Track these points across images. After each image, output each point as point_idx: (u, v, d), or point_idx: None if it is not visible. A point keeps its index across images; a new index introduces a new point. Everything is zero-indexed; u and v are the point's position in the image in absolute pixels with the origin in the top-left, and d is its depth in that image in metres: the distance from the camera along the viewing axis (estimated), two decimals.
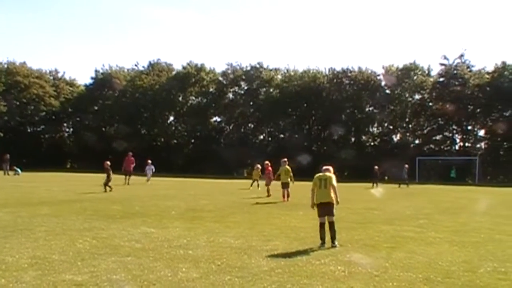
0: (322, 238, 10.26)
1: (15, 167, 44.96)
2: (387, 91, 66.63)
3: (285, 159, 23.70)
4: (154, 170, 36.84)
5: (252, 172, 30.78)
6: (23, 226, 11.79)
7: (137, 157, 35.03)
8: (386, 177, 41.43)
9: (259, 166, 31.58)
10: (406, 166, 41.99)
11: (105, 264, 7.88)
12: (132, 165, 34.54)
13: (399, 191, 33.87)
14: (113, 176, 26.66)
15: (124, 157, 35.06)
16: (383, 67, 67.51)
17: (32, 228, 11.59)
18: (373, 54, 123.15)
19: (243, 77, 73.64)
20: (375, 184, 37.99)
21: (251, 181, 33.21)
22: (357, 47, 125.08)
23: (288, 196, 22.17)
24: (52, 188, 26.57)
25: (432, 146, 63.65)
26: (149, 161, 37.12)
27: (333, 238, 10.24)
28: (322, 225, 10.40)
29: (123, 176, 32.49)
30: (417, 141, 66.01)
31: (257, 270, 7.74)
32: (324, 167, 11.25)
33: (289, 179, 22.64)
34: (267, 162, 28.59)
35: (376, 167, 40.21)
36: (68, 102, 77.81)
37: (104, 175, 26.94)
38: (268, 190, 24.61)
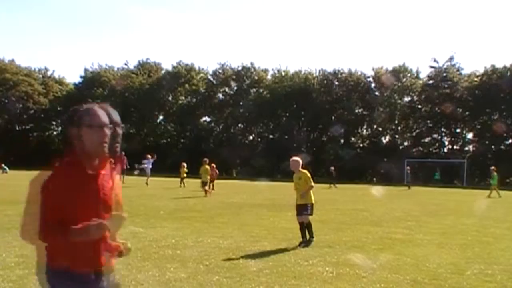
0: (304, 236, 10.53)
1: (3, 165, 44.81)
2: (377, 93, 66.93)
3: (206, 159, 26.50)
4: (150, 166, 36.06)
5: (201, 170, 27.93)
6: (10, 225, 11.70)
7: (126, 156, 34.78)
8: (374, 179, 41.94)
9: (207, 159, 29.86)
10: (408, 168, 43.11)
11: None
12: (125, 165, 34.59)
13: (385, 192, 33.98)
14: None
15: (121, 157, 34.79)
16: (373, 69, 67.81)
17: (19, 226, 11.50)
18: (363, 56, 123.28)
19: (233, 77, 73.65)
20: (332, 185, 38.93)
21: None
22: (347, 49, 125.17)
23: (206, 191, 23.96)
24: None
25: (420, 148, 64.03)
26: (149, 156, 36.67)
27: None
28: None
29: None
30: (406, 143, 66.37)
31: (245, 271, 7.74)
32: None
33: (208, 178, 24.91)
34: (205, 159, 28.13)
35: (333, 167, 41.59)
36: (57, 101, 77.45)
37: None
38: (206, 190, 24.83)
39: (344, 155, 57.98)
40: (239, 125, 74.35)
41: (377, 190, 23.14)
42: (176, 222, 13.52)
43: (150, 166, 35.54)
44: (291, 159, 11.00)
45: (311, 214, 10.63)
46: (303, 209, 10.52)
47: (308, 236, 10.54)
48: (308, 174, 10.68)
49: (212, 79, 75.24)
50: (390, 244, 10.94)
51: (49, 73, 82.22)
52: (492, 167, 33.95)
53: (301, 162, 10.82)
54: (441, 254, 9.87)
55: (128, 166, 35.06)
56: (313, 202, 10.71)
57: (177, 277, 7.17)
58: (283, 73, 72.04)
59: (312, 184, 10.67)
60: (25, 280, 6.65)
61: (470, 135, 64.37)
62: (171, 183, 35.44)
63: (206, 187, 24.94)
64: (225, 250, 9.50)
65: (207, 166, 26.23)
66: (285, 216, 16.00)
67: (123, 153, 35.13)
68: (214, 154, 62.76)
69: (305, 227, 10.50)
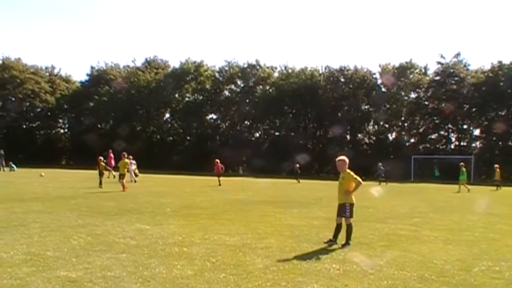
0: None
1: (10, 163, 44.97)
2: (383, 90, 66.75)
3: (124, 153, 26.85)
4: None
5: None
6: (18, 222, 11.76)
7: (132, 154, 35.17)
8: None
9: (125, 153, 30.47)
10: (380, 164, 43.18)
11: (99, 260, 7.87)
12: (112, 161, 37.07)
13: (390, 189, 33.91)
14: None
15: (107, 154, 37.46)
16: (379, 66, 67.74)
17: (27, 224, 11.56)
18: (370, 52, 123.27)
19: (240, 74, 73.61)
20: (297, 180, 40.78)
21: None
22: (354, 45, 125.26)
23: (123, 187, 23.91)
24: (47, 184, 26.51)
25: (427, 145, 63.79)
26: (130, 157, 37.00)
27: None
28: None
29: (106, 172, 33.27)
30: (412, 140, 66.15)
31: (251, 268, 7.73)
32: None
33: (126, 171, 25.18)
34: (123, 153, 28.28)
35: (297, 165, 43.97)
36: (63, 99, 77.77)
37: (107, 171, 27.38)
38: (123, 185, 24.54)
39: (350, 151, 57.82)
40: (245, 122, 74.33)
41: (376, 191, 23.05)
42: (183, 219, 13.53)
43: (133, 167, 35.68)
44: (337, 159, 10.62)
45: (351, 216, 10.26)
46: (342, 210, 10.27)
47: (340, 238, 10.26)
48: (353, 174, 10.43)
49: (218, 76, 75.21)
50: (396, 241, 10.90)
51: (55, 71, 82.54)
52: (461, 163, 35.82)
53: (347, 161, 10.52)
54: (448, 251, 9.83)
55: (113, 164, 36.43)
56: (353, 202, 10.39)
57: (184, 274, 7.18)
58: (289, 70, 71.94)
59: (360, 180, 10.31)
60: (32, 277, 6.67)
61: (477, 132, 64.13)
62: (177, 181, 35.48)
63: (124, 181, 24.62)
64: (232, 247, 9.49)
65: (126, 160, 26.48)
66: (291, 213, 16.00)
67: (111, 151, 38.07)
68: (220, 151, 62.94)
69: (339, 229, 10.28)
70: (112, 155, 38.08)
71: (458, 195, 29.80)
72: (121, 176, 25.04)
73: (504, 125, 55.60)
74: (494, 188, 36.53)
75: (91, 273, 6.99)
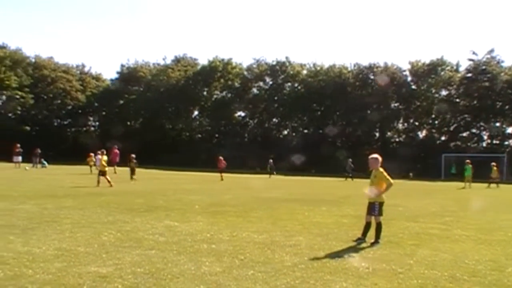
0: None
1: (42, 160, 45.81)
2: (413, 87, 66.07)
3: (103, 150, 26.80)
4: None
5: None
6: (49, 218, 11.92)
7: (162, 151, 35.94)
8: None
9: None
10: (350, 160, 44.57)
11: (129, 257, 7.93)
12: (117, 158, 38.97)
13: (420, 188, 33.55)
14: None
15: (111, 150, 38.61)
16: (409, 63, 67.00)
17: (58, 220, 11.71)
18: (399, 49, 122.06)
19: (268, 72, 73.64)
20: (270, 175, 43.33)
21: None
22: (384, 42, 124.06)
23: (109, 182, 23.73)
24: (77, 181, 26.86)
25: (458, 143, 62.95)
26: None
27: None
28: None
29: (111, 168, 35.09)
30: (443, 138, 65.37)
31: (280, 266, 7.71)
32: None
33: (106, 168, 24.61)
34: (102, 149, 28.08)
35: (271, 160, 46.20)
36: (94, 96, 78.60)
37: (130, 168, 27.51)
38: (98, 181, 24.24)
39: (378, 149, 57.30)
40: (274, 119, 74.34)
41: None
42: (211, 216, 13.56)
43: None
44: (370, 157, 10.60)
45: (380, 215, 10.17)
46: (372, 209, 10.20)
47: (369, 236, 10.16)
48: (385, 173, 10.33)
49: (246, 74, 75.33)
50: (426, 240, 10.77)
51: (86, 69, 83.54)
52: (467, 160, 37.53)
53: (380, 159, 10.47)
54: (480, 250, 9.67)
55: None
56: (383, 201, 10.32)
57: (213, 271, 7.19)
58: (317, 68, 71.70)
59: (391, 182, 10.26)
60: (64, 272, 6.75)
61: (510, 129, 62.95)
62: (205, 178, 35.64)
63: (104, 177, 24.31)
64: (260, 244, 9.48)
65: (105, 157, 26.07)
66: (320, 211, 15.93)
67: (116, 147, 39.45)
68: (248, 148, 63.07)
69: (369, 227, 10.20)
70: (117, 151, 39.42)
71: (491, 193, 29.34)
72: (101, 173, 24.71)
73: None
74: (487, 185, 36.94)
75: (121, 269, 7.05)
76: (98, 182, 23.81)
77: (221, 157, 37.28)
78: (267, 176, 42.78)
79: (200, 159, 62.09)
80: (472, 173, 36.54)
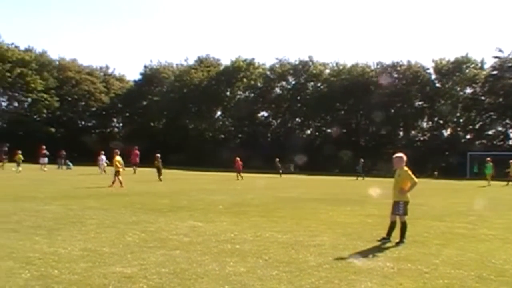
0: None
1: (67, 161, 46.46)
2: (437, 85, 65.50)
3: (117, 150, 26.20)
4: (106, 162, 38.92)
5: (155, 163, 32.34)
6: (75, 219, 12.04)
7: (185, 152, 36.52)
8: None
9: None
10: (362, 160, 44.33)
11: (154, 257, 7.97)
12: (137, 158, 40.29)
13: (446, 186, 33.21)
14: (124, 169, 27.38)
15: (132, 151, 40.64)
16: (432, 61, 66.42)
17: (83, 220, 11.82)
18: (423, 47, 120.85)
19: (291, 71, 73.61)
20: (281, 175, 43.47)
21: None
22: (407, 40, 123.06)
23: (113, 183, 23.70)
24: (100, 182, 27.08)
25: (484, 141, 62.18)
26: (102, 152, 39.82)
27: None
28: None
29: (132, 168, 37.74)
30: (468, 136, 64.65)
31: (304, 265, 7.68)
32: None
33: (120, 169, 24.36)
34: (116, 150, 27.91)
35: (277, 159, 45.98)
36: (117, 98, 79.35)
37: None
38: (114, 181, 24.16)
39: (402, 148, 56.89)
40: (297, 119, 74.24)
41: (373, 191, 22.50)
42: (234, 216, 13.58)
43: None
44: (394, 156, 10.52)
45: (405, 214, 10.05)
46: (396, 208, 10.11)
47: (394, 236, 10.07)
48: (409, 172, 10.21)
49: (269, 74, 75.37)
50: (452, 239, 10.64)
51: (109, 71, 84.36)
52: (488, 158, 37.75)
53: (405, 158, 10.38)
54: (507, 250, 9.53)
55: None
56: (408, 200, 10.20)
57: (237, 271, 7.19)
58: (340, 67, 71.46)
59: (416, 181, 10.16)
60: (89, 272, 6.81)
61: None
62: (228, 178, 35.73)
63: (119, 178, 24.20)
64: (284, 244, 9.46)
65: (119, 157, 25.52)
66: (344, 210, 15.85)
67: (136, 147, 40.92)
68: (271, 148, 63.05)
69: (393, 227, 10.12)
70: (137, 152, 40.69)
71: None
72: (117, 173, 24.58)
73: None
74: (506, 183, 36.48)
75: (145, 269, 7.09)
76: (121, 182, 23.89)
77: (237, 158, 38.16)
78: (278, 175, 42.67)
79: (223, 159, 62.31)
80: (494, 171, 36.37)
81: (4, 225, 10.77)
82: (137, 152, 40.89)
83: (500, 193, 28.48)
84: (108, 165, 36.59)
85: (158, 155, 31.79)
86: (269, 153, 57.22)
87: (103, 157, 39.03)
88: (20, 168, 36.87)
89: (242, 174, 36.22)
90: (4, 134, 60.96)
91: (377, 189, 21.80)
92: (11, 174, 33.18)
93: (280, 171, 44.39)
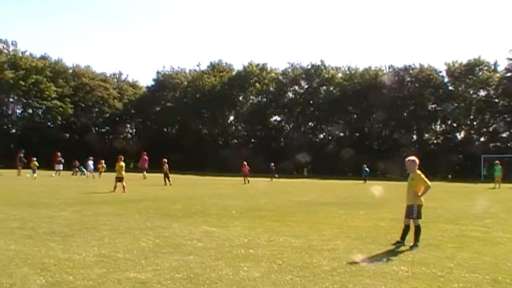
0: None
1: (81, 167, 46.81)
2: (450, 88, 65.19)
3: (121, 156, 26.39)
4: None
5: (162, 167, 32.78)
6: (89, 225, 12.10)
7: (198, 157, 36.73)
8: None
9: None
10: (365, 165, 44.99)
11: (168, 262, 7.99)
12: (146, 163, 41.00)
13: (460, 189, 32.99)
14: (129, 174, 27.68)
15: (141, 156, 42.01)
16: (445, 64, 66.12)
17: (97, 226, 11.87)
18: (435, 51, 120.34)
19: (303, 76, 73.57)
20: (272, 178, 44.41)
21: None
22: (419, 44, 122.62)
23: (123, 188, 23.82)
24: (109, 187, 27.19)
25: (498, 143, 61.73)
26: (91, 157, 43.47)
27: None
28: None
29: (141, 174, 38.86)
30: (482, 139, 64.21)
31: (318, 270, 7.67)
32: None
33: (123, 173, 24.43)
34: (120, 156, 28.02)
35: (272, 164, 46.60)
36: (130, 104, 79.73)
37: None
38: (117, 186, 24.31)
39: (415, 151, 56.65)
40: (310, 123, 74.14)
41: (376, 189, 22.40)
42: (248, 221, 13.57)
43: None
44: (407, 159, 10.48)
45: (419, 217, 10.01)
46: (410, 212, 10.06)
47: (408, 240, 10.01)
48: (423, 176, 10.15)
49: (282, 78, 75.40)
50: (467, 243, 10.57)
51: (123, 77, 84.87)
52: (496, 161, 37.46)
53: (417, 162, 10.31)
54: None
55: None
56: (422, 203, 10.15)
57: (251, 276, 7.19)
58: (352, 71, 71.35)
59: (429, 184, 10.10)
60: (104, 278, 6.84)
61: None
62: (241, 182, 35.77)
63: (120, 183, 24.33)
64: (298, 249, 9.44)
65: (122, 163, 25.69)
66: (358, 214, 15.78)
67: (145, 152, 41.80)
68: (284, 152, 63.00)
69: (407, 230, 10.06)
70: (146, 157, 41.30)
71: None
72: (118, 179, 24.70)
73: None
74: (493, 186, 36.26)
75: (159, 275, 7.11)
76: (124, 187, 24.10)
77: (245, 162, 39.35)
78: (269, 179, 43.78)
79: (236, 164, 62.33)
80: (502, 173, 36.21)
81: (20, 231, 10.85)
82: (146, 157, 41.26)
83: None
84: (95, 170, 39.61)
85: (165, 160, 32.12)
86: (279, 157, 57.26)
87: (90, 162, 41.54)
88: (35, 175, 37.14)
89: (249, 178, 37.24)
90: (19, 141, 61.50)
91: (379, 187, 21.74)
92: (26, 181, 33.42)
93: (276, 175, 45.30)
